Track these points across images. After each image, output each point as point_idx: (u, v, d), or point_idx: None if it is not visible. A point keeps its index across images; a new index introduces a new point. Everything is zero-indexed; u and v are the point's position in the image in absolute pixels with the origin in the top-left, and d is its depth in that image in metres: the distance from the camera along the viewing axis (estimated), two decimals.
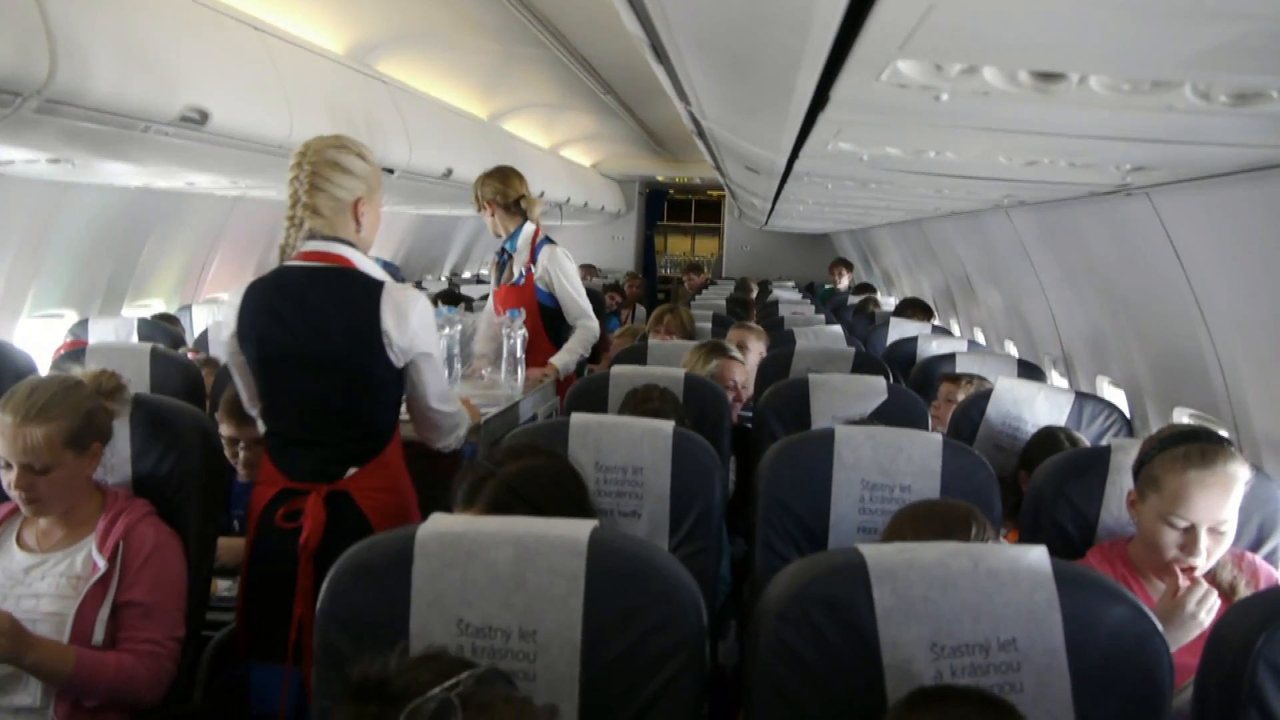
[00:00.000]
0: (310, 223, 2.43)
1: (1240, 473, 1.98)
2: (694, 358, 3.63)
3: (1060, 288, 4.14)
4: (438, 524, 1.43)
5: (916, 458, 2.25)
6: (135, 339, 4.60)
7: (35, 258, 4.61)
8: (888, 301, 7.83)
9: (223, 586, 2.63)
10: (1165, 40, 0.93)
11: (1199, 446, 1.98)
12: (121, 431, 2.34)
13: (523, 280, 4.05)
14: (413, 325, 2.38)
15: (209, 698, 2.37)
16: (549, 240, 4.12)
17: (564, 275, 4.05)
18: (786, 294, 8.92)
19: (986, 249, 5.13)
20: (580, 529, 1.41)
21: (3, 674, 1.98)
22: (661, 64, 1.87)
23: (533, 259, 4.04)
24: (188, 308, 5.69)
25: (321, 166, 2.42)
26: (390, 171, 5.03)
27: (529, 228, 4.09)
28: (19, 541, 2.15)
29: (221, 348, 2.58)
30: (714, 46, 1.44)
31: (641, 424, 2.32)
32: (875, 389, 3.22)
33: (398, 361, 2.40)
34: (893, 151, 1.93)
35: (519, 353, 3.48)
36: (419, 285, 9.13)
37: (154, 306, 5.73)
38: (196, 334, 5.17)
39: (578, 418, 2.31)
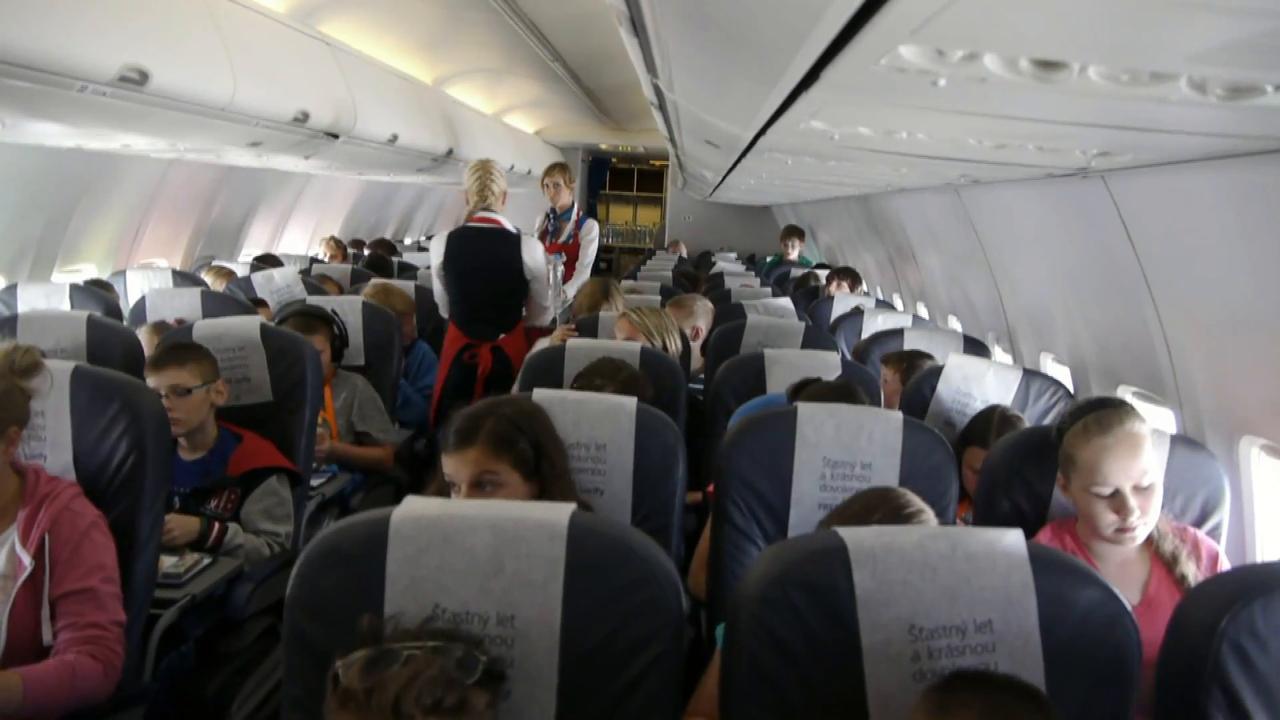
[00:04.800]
0: (483, 202, 4.36)
1: (1140, 428, 2.06)
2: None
3: (1006, 265, 4.19)
4: (412, 507, 1.40)
5: (878, 435, 2.26)
6: (67, 306, 4.43)
7: None
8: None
9: (168, 563, 2.54)
10: (1172, 33, 0.92)
11: (1095, 416, 2.07)
12: (61, 406, 2.24)
13: (570, 240, 5.60)
14: (536, 259, 4.38)
15: (159, 677, 2.31)
16: (590, 216, 5.86)
17: (588, 241, 5.62)
18: (731, 265, 8.92)
19: (932, 224, 5.18)
20: (559, 512, 1.39)
21: None
22: (636, 36, 1.83)
23: (577, 227, 5.64)
24: (121, 273, 5.49)
25: (487, 174, 4.40)
26: (334, 136, 4.91)
27: (576, 206, 5.80)
28: None
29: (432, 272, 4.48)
30: (704, 23, 1.41)
31: (604, 400, 2.29)
32: (829, 364, 3.23)
33: (527, 277, 4.38)
34: (864, 131, 1.92)
35: (559, 279, 5.04)
36: (359, 252, 8.95)
37: (85, 272, 5.53)
38: (132, 301, 4.98)
39: (540, 393, 2.27)
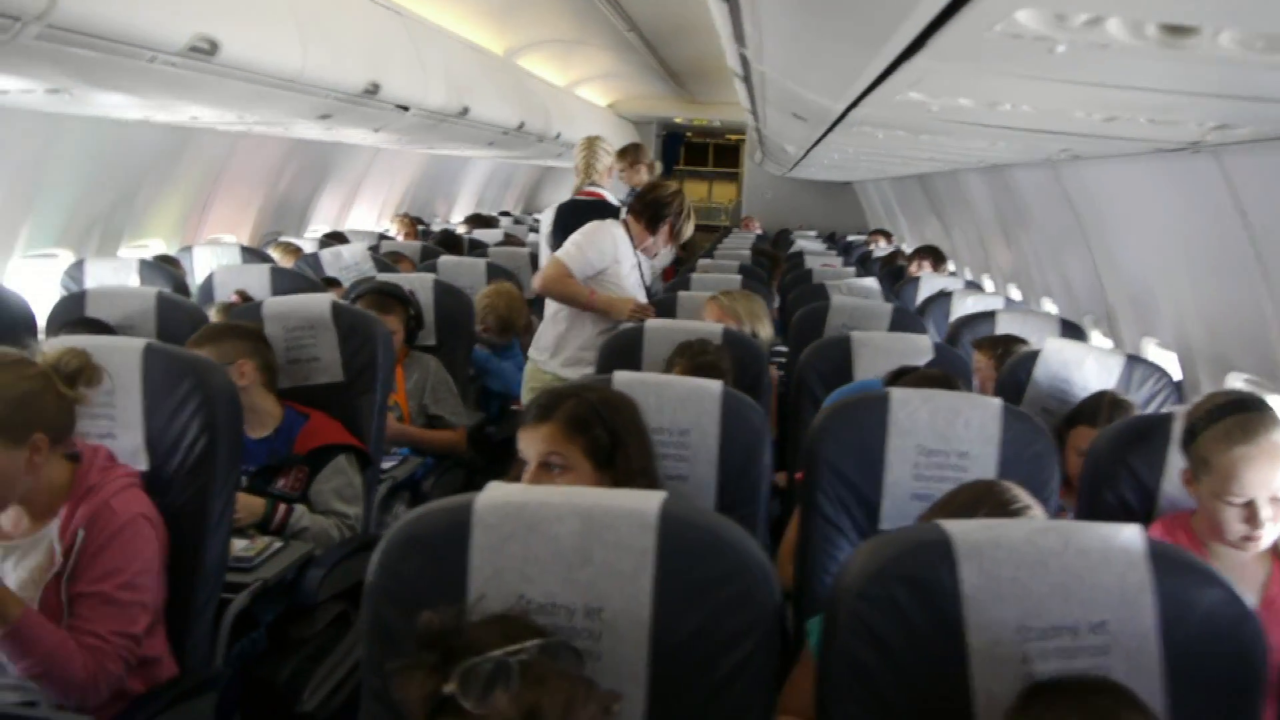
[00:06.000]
0: (589, 177, 4.69)
1: None
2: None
3: (1107, 244, 4.09)
4: (496, 494, 1.40)
5: (975, 423, 2.22)
6: (135, 282, 4.55)
7: (28, 194, 4.55)
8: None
9: (239, 547, 2.59)
10: None
11: (1239, 420, 1.99)
12: (131, 384, 2.26)
13: None
14: None
15: (230, 663, 2.37)
16: None
17: None
18: (811, 244, 8.84)
19: (1027, 202, 5.07)
20: (649, 501, 1.38)
21: None
22: (726, 2, 1.81)
23: None
24: (188, 249, 5.62)
25: (595, 149, 4.74)
26: (405, 109, 4.96)
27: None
28: None
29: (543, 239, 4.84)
30: None
31: (688, 383, 2.29)
32: (920, 348, 3.19)
33: None
34: (965, 102, 1.87)
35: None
36: (426, 227, 9.03)
37: (152, 247, 5.67)
38: (199, 277, 5.11)
39: (621, 376, 2.27)
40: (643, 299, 3.93)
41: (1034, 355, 3.17)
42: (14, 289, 3.89)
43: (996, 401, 2.26)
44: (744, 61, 2.82)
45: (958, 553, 1.31)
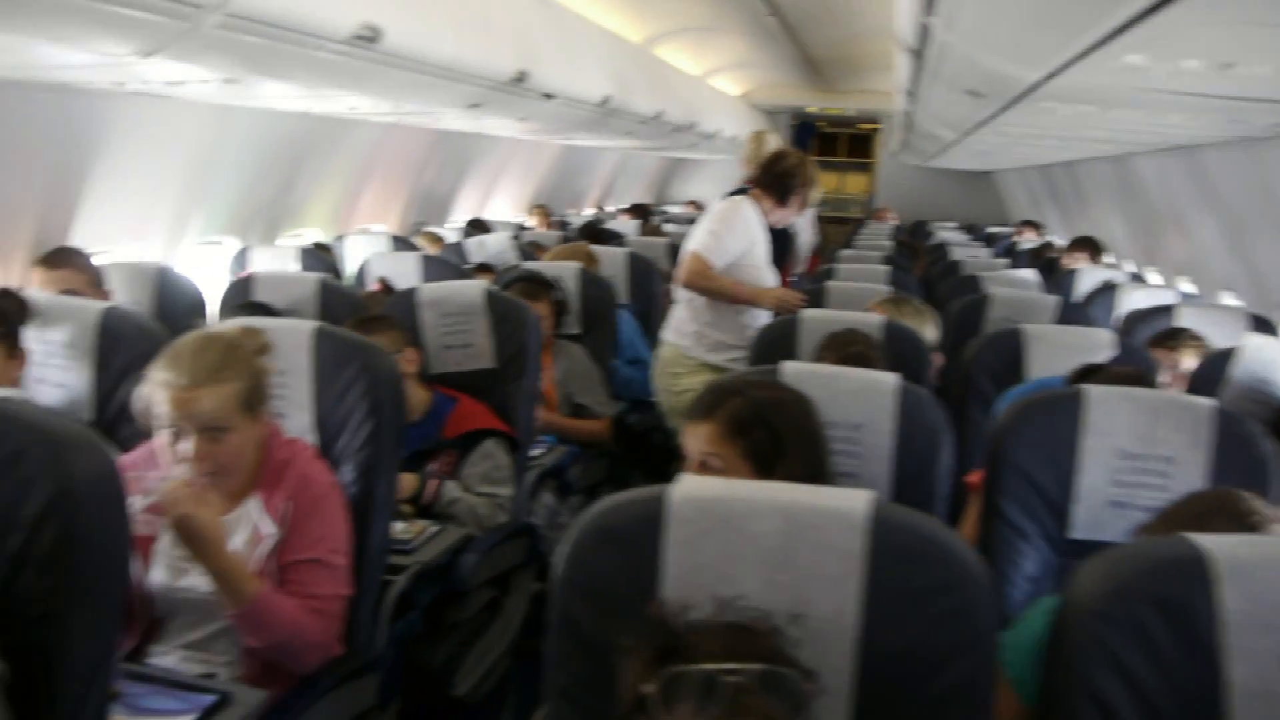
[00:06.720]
0: (752, 171, 4.23)
1: None
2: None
3: None
4: (691, 487, 1.29)
5: (1183, 426, 2.01)
6: (294, 268, 4.62)
7: (200, 184, 4.67)
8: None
9: (398, 529, 2.56)
10: None
11: None
12: (301, 365, 2.26)
13: None
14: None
15: (393, 644, 2.33)
16: None
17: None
18: (952, 235, 8.51)
19: (1209, 185, 4.69)
20: (858, 500, 1.25)
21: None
22: None
23: None
24: (340, 238, 5.72)
25: (763, 142, 4.74)
26: (550, 97, 4.92)
27: None
28: None
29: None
30: None
31: (861, 375, 2.14)
32: (1099, 343, 2.96)
33: (791, 233, 4.53)
34: (1192, 65, 1.66)
35: None
36: (563, 222, 9.03)
37: (307, 236, 5.79)
38: (350, 265, 5.18)
39: (790, 366, 2.14)
40: (774, 278, 3.84)
41: (1228, 354, 2.91)
42: (184, 274, 4.01)
43: (1208, 402, 2.05)
44: (923, 32, 2.63)
45: (1216, 571, 1.14)
